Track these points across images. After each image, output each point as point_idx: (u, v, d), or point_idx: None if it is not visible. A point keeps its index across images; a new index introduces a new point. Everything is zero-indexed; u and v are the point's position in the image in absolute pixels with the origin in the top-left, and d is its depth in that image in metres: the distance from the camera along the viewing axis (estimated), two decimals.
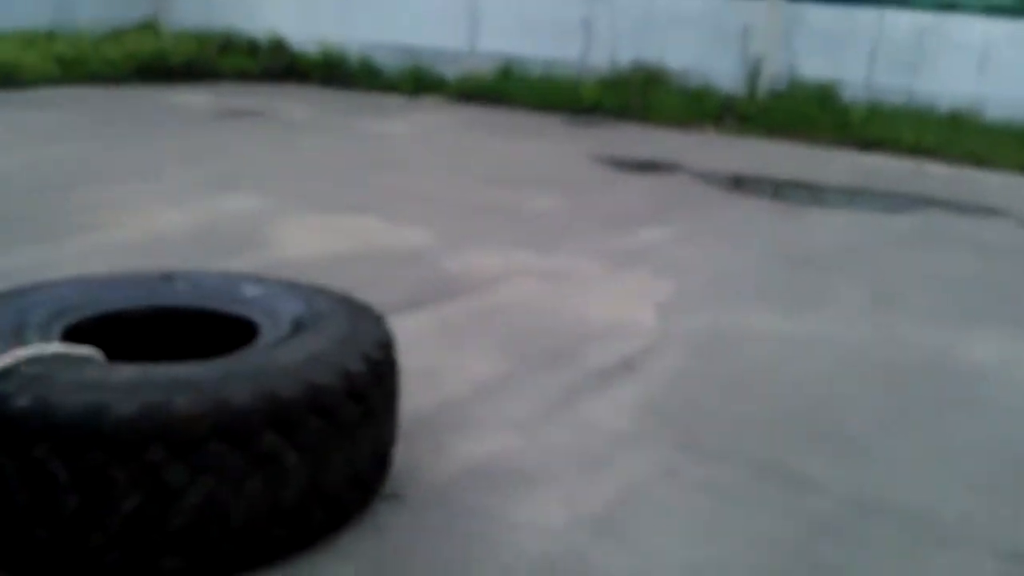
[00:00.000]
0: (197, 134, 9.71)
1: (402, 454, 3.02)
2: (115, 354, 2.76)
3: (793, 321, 4.78)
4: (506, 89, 13.36)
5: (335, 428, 2.43)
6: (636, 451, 3.24)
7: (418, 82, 14.10)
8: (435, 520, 2.73)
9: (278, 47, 15.40)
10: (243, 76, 14.73)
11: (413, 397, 3.50)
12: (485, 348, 4.17)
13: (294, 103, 12.50)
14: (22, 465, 2.18)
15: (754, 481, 3.08)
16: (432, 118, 11.98)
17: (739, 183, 8.79)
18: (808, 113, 11.40)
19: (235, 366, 2.43)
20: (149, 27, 15.74)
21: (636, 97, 12.36)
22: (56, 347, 2.45)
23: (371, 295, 4.71)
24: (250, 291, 3.08)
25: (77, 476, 2.18)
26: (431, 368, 3.87)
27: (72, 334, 2.71)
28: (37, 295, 2.92)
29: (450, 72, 13.97)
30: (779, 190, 8.52)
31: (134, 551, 2.25)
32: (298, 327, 2.77)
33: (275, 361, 2.47)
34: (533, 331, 4.43)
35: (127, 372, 2.36)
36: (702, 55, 12.37)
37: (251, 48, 15.39)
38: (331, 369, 2.45)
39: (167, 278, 3.17)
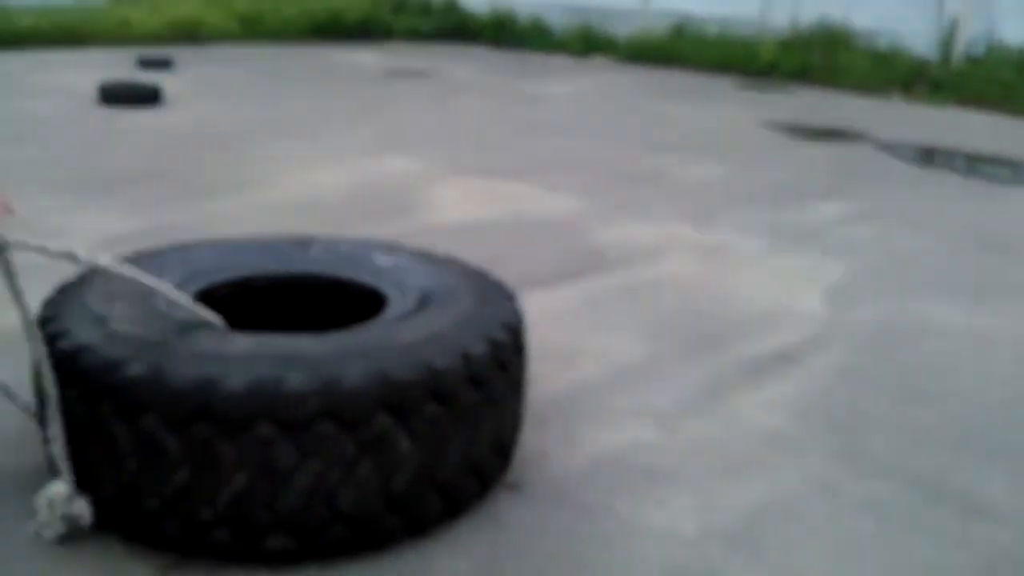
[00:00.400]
0: (363, 94, 9.83)
1: (529, 441, 2.84)
2: (242, 319, 2.72)
3: (978, 316, 4.26)
4: (678, 49, 12.86)
5: (452, 414, 2.27)
6: (788, 457, 2.93)
7: (587, 42, 13.79)
8: (557, 517, 2.54)
9: (450, 7, 15.44)
10: (414, 35, 14.88)
11: (548, 379, 3.32)
12: (631, 328, 3.93)
13: (460, 63, 12.48)
14: (133, 433, 2.14)
15: (922, 502, 2.71)
16: (598, 80, 11.67)
17: (928, 156, 8.06)
18: (1009, 81, 10.34)
19: (352, 342, 2.31)
20: None
21: (818, 59, 11.60)
22: (183, 310, 2.40)
23: (516, 265, 4.59)
24: (383, 261, 2.97)
25: (186, 449, 2.12)
26: (571, 347, 3.67)
27: (202, 297, 2.67)
28: (175, 256, 2.91)
29: (621, 31, 13.58)
30: (974, 166, 7.75)
31: (241, 529, 2.17)
32: (425, 301, 2.62)
33: (394, 339, 2.33)
34: (685, 312, 4.14)
35: (243, 344, 2.28)
36: (892, 15, 11.44)
37: (424, 8, 15.50)
38: (451, 351, 2.29)
39: (303, 244, 3.10)
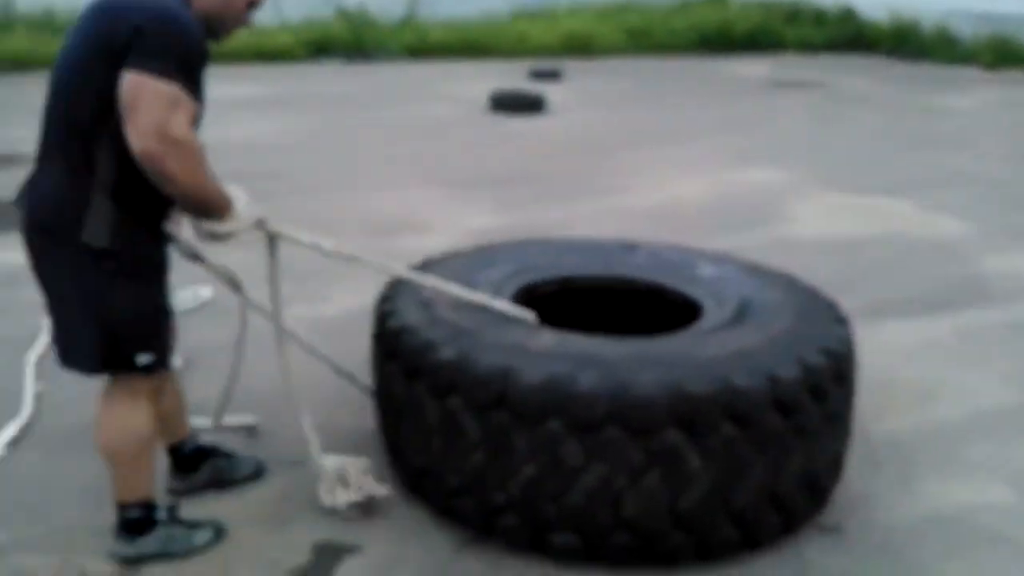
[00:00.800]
0: (744, 104, 9.61)
1: (854, 482, 2.57)
2: (561, 316, 2.75)
3: None
4: None
5: (751, 438, 2.10)
6: None
7: (1000, 53, 12.31)
8: (874, 571, 2.26)
9: (847, 15, 14.61)
10: (806, 47, 14.28)
11: (890, 416, 3.00)
12: (1005, 370, 3.41)
13: (854, 75, 11.76)
14: (441, 412, 2.24)
15: None
16: (1010, 94, 10.37)
17: None
18: None
19: (652, 349, 2.24)
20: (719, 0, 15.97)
21: None
22: (498, 304, 2.48)
23: (874, 289, 4.20)
24: (707, 271, 2.85)
25: (484, 433, 2.18)
26: (925, 384, 3.28)
27: (526, 292, 2.75)
28: (509, 252, 3.03)
29: None
30: None
31: (529, 519, 2.20)
32: (741, 316, 2.47)
33: (696, 351, 2.22)
34: None
35: (547, 340, 2.30)
36: None
37: (817, 17, 14.82)
38: (756, 371, 2.12)
39: (629, 248, 3.08)
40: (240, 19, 2.09)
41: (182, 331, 3.58)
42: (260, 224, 2.16)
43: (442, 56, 12.85)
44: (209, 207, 1.99)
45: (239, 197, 2.08)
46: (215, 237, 2.09)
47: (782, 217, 5.41)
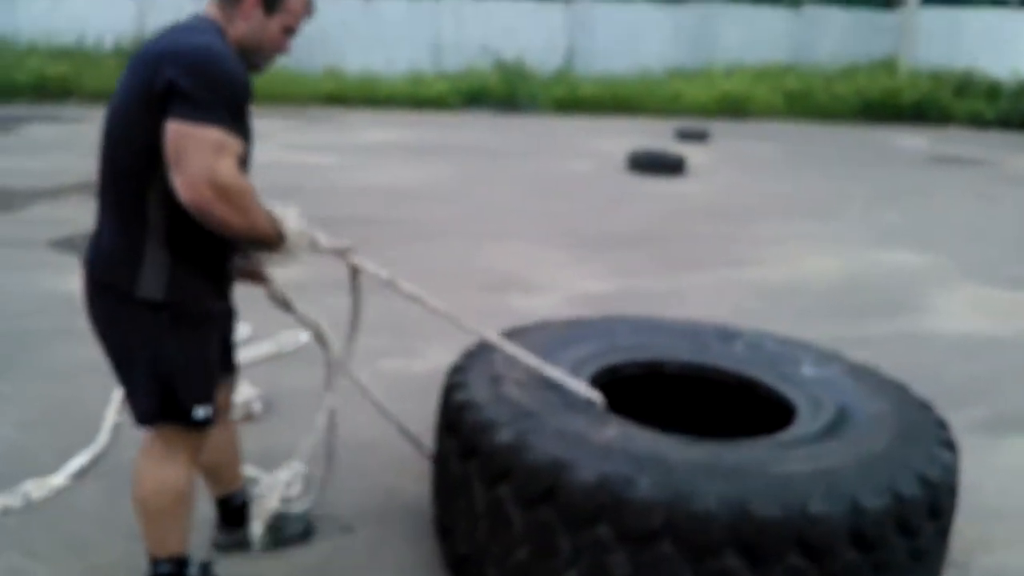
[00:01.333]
0: (898, 179, 9.11)
1: None
2: (637, 403, 2.59)
3: None
4: None
5: (820, 574, 1.87)
6: None
7: None
8: None
9: (1022, 90, 13.72)
10: (975, 121, 13.51)
11: (1003, 547, 2.67)
12: None
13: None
14: (489, 498, 2.11)
15: None
16: None
17: None
18: None
19: (723, 456, 2.04)
20: (887, 65, 15.36)
21: None
22: (568, 381, 2.34)
23: (1007, 401, 3.79)
24: (809, 369, 2.61)
25: (530, 528, 2.03)
26: None
27: (609, 373, 2.60)
28: (599, 327, 2.88)
29: None
30: None
31: None
32: (837, 425, 2.23)
33: (773, 464, 2.00)
34: None
35: (610, 432, 2.13)
36: None
37: (990, 90, 14.00)
38: (835, 498, 1.89)
39: (728, 335, 2.87)
40: (278, 46, 2.05)
41: (270, 375, 3.65)
42: (313, 246, 2.10)
43: (591, 111, 12.86)
44: (262, 241, 1.97)
45: (290, 219, 2.01)
46: (271, 264, 2.08)
47: (918, 307, 5.01)
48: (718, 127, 11.74)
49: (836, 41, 15.46)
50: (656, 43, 14.90)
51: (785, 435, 2.22)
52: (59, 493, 2.68)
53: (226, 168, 1.80)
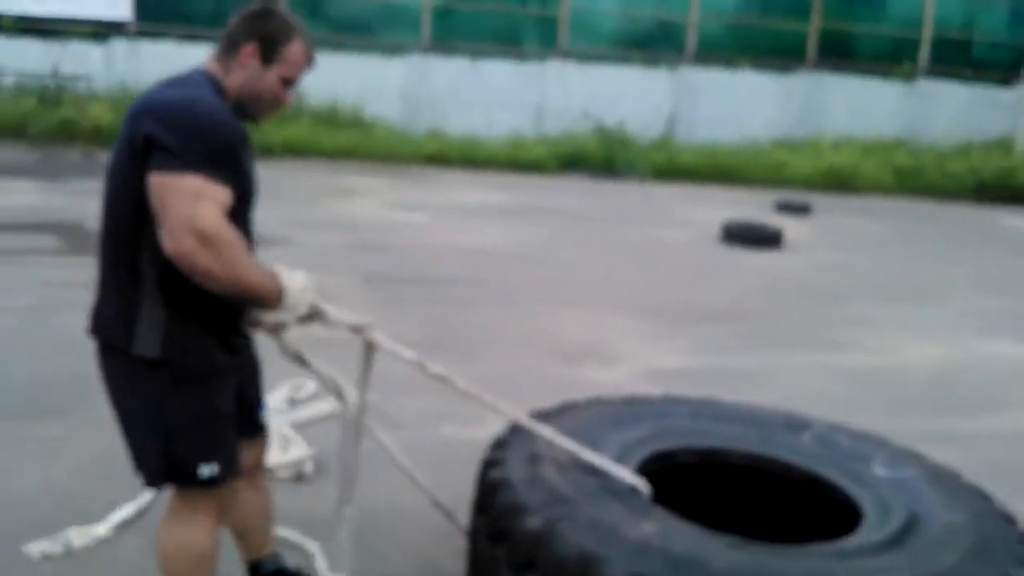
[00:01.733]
0: (1009, 264, 8.64)
1: None
2: (690, 494, 2.43)
3: None
4: None
5: None
6: None
7: None
8: None
9: None
10: None
11: None
12: None
13: None
14: None
15: None
16: None
17: None
18: None
19: (768, 564, 1.87)
20: (1003, 143, 14.73)
21: None
22: (611, 468, 2.21)
23: None
24: (882, 469, 2.41)
25: None
26: None
27: (663, 458, 2.45)
28: (663, 408, 2.75)
29: None
30: None
31: None
32: (906, 532, 2.04)
33: (830, 575, 1.83)
34: None
35: (650, 526, 1.99)
36: None
37: None
38: None
39: (797, 426, 2.68)
40: (276, 97, 2.02)
41: (324, 435, 3.60)
42: (315, 313, 2.01)
43: (690, 180, 12.69)
44: (255, 297, 1.90)
45: (294, 281, 1.95)
46: (265, 328, 2.00)
47: (1017, 403, 4.66)
48: (822, 201, 11.40)
49: (950, 117, 14.90)
50: (762, 112, 14.67)
51: (845, 543, 2.04)
52: (100, 543, 2.67)
53: (207, 214, 1.76)
